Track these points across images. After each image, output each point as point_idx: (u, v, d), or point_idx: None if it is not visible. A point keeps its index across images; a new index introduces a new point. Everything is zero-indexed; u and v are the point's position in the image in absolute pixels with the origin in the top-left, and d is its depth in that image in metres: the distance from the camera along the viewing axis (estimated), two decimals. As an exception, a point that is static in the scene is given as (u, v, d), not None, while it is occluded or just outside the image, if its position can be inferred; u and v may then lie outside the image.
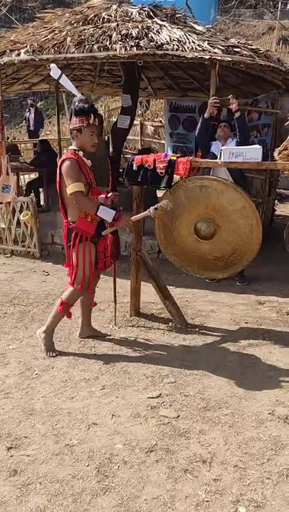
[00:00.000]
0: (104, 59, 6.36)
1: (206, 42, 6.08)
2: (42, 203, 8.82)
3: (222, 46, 6.01)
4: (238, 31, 21.86)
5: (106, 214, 3.84)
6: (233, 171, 5.53)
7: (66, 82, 4.18)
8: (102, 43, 6.16)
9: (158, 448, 2.91)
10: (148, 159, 4.40)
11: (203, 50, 5.88)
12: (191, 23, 7.02)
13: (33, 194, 7.73)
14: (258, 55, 6.23)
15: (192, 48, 5.92)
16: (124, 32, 6.21)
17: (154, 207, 3.99)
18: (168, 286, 4.85)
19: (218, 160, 4.36)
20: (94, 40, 6.21)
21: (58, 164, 3.91)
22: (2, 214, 7.29)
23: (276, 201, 9.12)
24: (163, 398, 3.43)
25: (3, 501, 2.52)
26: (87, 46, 6.17)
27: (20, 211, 7.05)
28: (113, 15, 6.77)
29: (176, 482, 2.65)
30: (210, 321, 4.82)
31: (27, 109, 16.49)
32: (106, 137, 10.67)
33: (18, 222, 7.10)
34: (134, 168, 4.44)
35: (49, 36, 6.56)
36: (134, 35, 6.15)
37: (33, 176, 10.43)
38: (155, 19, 6.67)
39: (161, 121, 12.82)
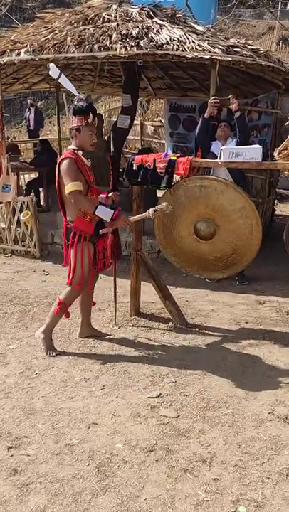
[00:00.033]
0: (105, 59, 6.37)
1: (206, 42, 6.08)
2: (42, 202, 8.82)
3: (222, 46, 6.02)
4: (238, 31, 21.85)
5: (104, 213, 3.84)
6: (233, 170, 5.53)
7: (65, 82, 4.18)
8: (102, 42, 6.16)
9: (158, 448, 2.91)
10: (148, 159, 4.40)
11: (203, 50, 5.89)
12: (191, 23, 7.03)
13: (33, 194, 7.72)
14: (258, 55, 6.23)
15: (192, 48, 5.93)
16: (124, 32, 6.22)
17: (153, 208, 3.99)
18: (168, 286, 4.85)
19: (218, 160, 4.36)
20: (94, 40, 6.22)
21: (57, 164, 3.92)
22: (2, 214, 7.29)
23: (276, 201, 9.12)
24: (163, 398, 3.43)
25: (4, 501, 2.53)
26: (87, 46, 6.17)
27: (21, 211, 7.05)
28: (113, 15, 6.77)
29: (176, 482, 2.65)
30: (210, 321, 4.82)
31: (27, 109, 16.49)
32: (106, 137, 10.68)
33: (18, 222, 7.10)
34: (134, 167, 4.44)
35: (49, 36, 6.56)
36: (134, 35, 6.16)
37: (33, 175, 10.43)
38: (155, 19, 6.67)
39: (161, 121, 12.82)
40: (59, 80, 4.16)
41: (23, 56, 6.51)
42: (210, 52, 5.87)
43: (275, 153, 5.04)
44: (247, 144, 5.53)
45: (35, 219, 7.00)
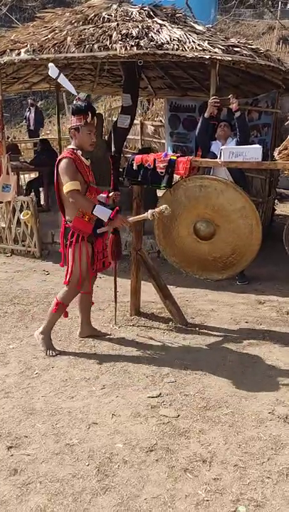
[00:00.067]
0: (105, 58, 6.37)
1: (206, 41, 6.08)
2: (42, 202, 8.82)
3: (222, 46, 6.02)
4: (238, 31, 21.85)
5: (102, 213, 3.83)
6: (233, 170, 5.53)
7: (64, 82, 4.18)
8: (102, 42, 6.16)
9: (158, 447, 2.92)
10: (148, 159, 4.40)
11: (204, 50, 5.89)
12: (191, 23, 7.03)
13: (33, 193, 7.72)
14: (258, 55, 6.23)
15: (192, 48, 5.93)
16: (124, 32, 6.22)
17: (152, 210, 3.99)
18: (168, 286, 4.85)
19: (218, 159, 4.35)
20: (94, 40, 6.22)
21: (56, 163, 3.92)
22: (2, 213, 7.29)
23: (276, 201, 9.11)
24: (163, 398, 3.43)
25: (4, 500, 2.53)
26: (87, 46, 6.17)
27: (21, 210, 7.05)
28: (113, 14, 6.77)
29: (176, 481, 2.65)
30: (210, 321, 4.82)
31: (27, 109, 16.50)
32: (106, 136, 10.68)
33: (19, 222, 7.10)
34: (135, 167, 4.44)
35: (49, 36, 6.56)
36: (134, 34, 6.16)
37: (33, 175, 10.44)
38: (155, 19, 6.67)
39: (161, 121, 12.82)
40: (58, 80, 4.15)
41: (23, 56, 6.51)
42: (210, 52, 5.87)
43: (275, 153, 5.03)
44: (247, 143, 5.53)
45: (36, 219, 7.00)
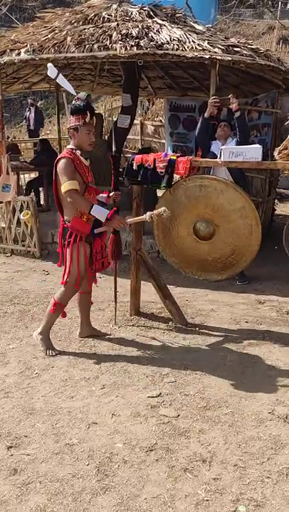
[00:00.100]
0: (105, 58, 6.37)
1: (206, 41, 6.08)
2: (42, 202, 8.82)
3: (222, 46, 6.02)
4: (238, 31, 21.86)
5: (99, 213, 3.82)
6: (233, 170, 5.53)
7: (63, 82, 4.18)
8: (102, 42, 6.16)
9: (158, 447, 2.92)
10: (148, 159, 4.40)
11: (203, 50, 5.89)
12: (191, 23, 7.03)
13: (33, 193, 7.72)
14: (258, 55, 6.23)
15: (192, 48, 5.93)
16: (124, 31, 6.22)
17: (150, 212, 3.98)
18: (168, 286, 4.85)
19: (218, 159, 4.36)
20: (94, 40, 6.22)
21: (54, 163, 3.91)
22: (2, 213, 7.29)
23: (276, 201, 9.11)
24: (163, 397, 3.43)
25: (4, 500, 2.53)
26: (87, 46, 6.17)
27: (21, 210, 7.05)
28: (113, 14, 6.78)
29: (176, 481, 2.65)
30: (210, 321, 4.82)
31: (27, 109, 16.50)
32: (106, 136, 10.68)
33: (18, 222, 7.10)
34: (134, 167, 4.44)
35: (49, 36, 6.56)
36: (134, 34, 6.16)
37: (33, 175, 10.44)
38: (155, 19, 6.67)
39: (161, 121, 12.82)
40: (57, 80, 4.16)
41: (23, 56, 6.51)
42: (210, 51, 5.87)
43: (275, 153, 5.03)
44: (247, 143, 5.53)
45: (35, 218, 7.00)
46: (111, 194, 4.19)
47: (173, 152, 8.39)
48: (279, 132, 7.83)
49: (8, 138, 12.33)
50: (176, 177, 4.40)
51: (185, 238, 4.54)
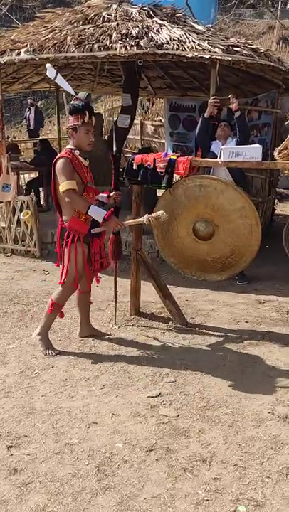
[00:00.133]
0: (105, 58, 6.37)
1: (206, 41, 6.08)
2: (42, 202, 8.83)
3: (222, 46, 6.02)
4: (238, 31, 21.84)
5: (96, 214, 3.81)
6: (233, 170, 5.53)
7: (62, 82, 4.18)
8: (102, 42, 6.16)
9: (158, 447, 2.92)
10: (148, 158, 4.40)
11: (203, 50, 5.89)
12: (191, 23, 7.03)
13: (33, 193, 7.72)
14: (258, 55, 6.24)
15: (192, 48, 5.93)
16: (124, 31, 6.22)
17: (148, 215, 3.98)
18: (168, 286, 4.85)
19: (218, 159, 4.36)
20: (94, 40, 6.22)
21: (53, 163, 3.91)
22: (2, 213, 7.29)
23: (276, 200, 9.11)
24: (163, 397, 3.43)
25: (3, 500, 2.53)
26: (87, 45, 6.17)
27: (21, 210, 7.05)
28: (113, 14, 6.78)
29: (176, 481, 2.65)
30: (210, 321, 4.82)
31: (27, 109, 16.50)
32: (106, 136, 10.68)
33: (18, 222, 7.10)
34: (134, 167, 4.44)
35: (49, 35, 6.56)
36: (134, 34, 6.16)
37: (33, 175, 10.44)
38: (155, 18, 6.68)
39: (161, 121, 12.82)
40: (56, 81, 4.16)
41: (23, 56, 6.51)
42: (210, 51, 5.87)
43: (275, 153, 5.03)
44: (247, 143, 5.53)
45: (35, 218, 7.00)
46: (111, 194, 4.18)
47: (173, 152, 8.40)
48: (279, 132, 7.83)
49: (8, 138, 12.33)
50: (176, 177, 4.40)
51: (185, 238, 4.53)
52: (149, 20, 6.59)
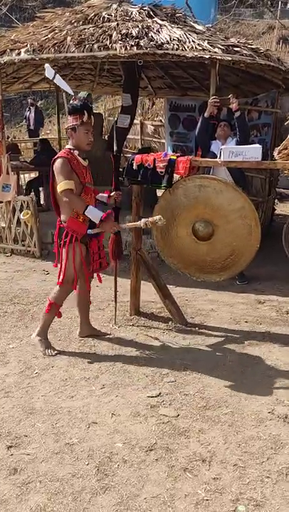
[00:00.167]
0: (105, 58, 6.37)
1: (206, 41, 6.08)
2: (42, 202, 8.83)
3: (222, 45, 6.02)
4: (238, 30, 21.83)
5: (93, 214, 3.81)
6: (232, 170, 5.53)
7: (60, 82, 4.19)
8: (102, 42, 6.16)
9: (158, 447, 2.92)
10: (148, 158, 4.40)
11: (203, 50, 5.89)
12: (191, 23, 7.03)
13: (33, 193, 7.73)
14: (258, 55, 6.24)
15: (192, 48, 5.93)
16: (124, 31, 6.22)
17: (145, 219, 3.99)
18: (168, 286, 4.85)
19: (218, 159, 4.36)
20: (94, 40, 6.22)
21: (51, 163, 3.91)
22: (2, 213, 7.29)
23: (276, 200, 9.11)
24: (163, 397, 3.43)
25: (4, 500, 2.53)
26: (87, 45, 6.17)
27: (21, 210, 7.05)
28: (113, 14, 6.78)
29: (176, 481, 2.65)
30: (210, 320, 4.82)
31: (27, 108, 16.48)
32: (106, 136, 10.68)
33: (18, 222, 7.10)
34: (134, 167, 4.44)
35: (49, 35, 6.56)
36: (134, 34, 6.16)
37: (33, 175, 10.44)
38: (155, 18, 6.68)
39: (161, 121, 12.82)
40: (54, 81, 4.16)
41: (23, 56, 6.51)
42: (210, 51, 5.87)
43: (275, 153, 5.04)
44: (247, 143, 5.53)
45: (35, 218, 7.00)
46: (112, 194, 4.18)
47: (173, 152, 8.42)
48: (279, 132, 7.83)
49: (8, 138, 12.33)
50: (176, 177, 4.40)
51: (184, 239, 4.53)
52: (149, 20, 6.59)
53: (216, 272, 4.55)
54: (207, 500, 2.52)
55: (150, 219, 3.97)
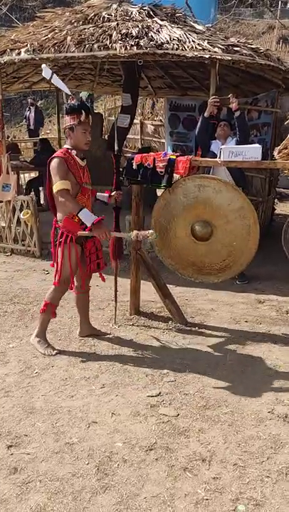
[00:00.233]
0: (105, 58, 6.37)
1: (206, 41, 6.08)
2: (42, 201, 8.83)
3: (222, 45, 6.02)
4: (238, 30, 21.85)
5: (86, 217, 3.76)
6: (232, 170, 5.53)
7: (57, 82, 4.19)
8: (102, 42, 6.16)
9: (158, 446, 2.92)
10: (148, 158, 4.40)
11: (203, 49, 5.89)
12: (191, 22, 7.03)
13: (33, 193, 7.73)
14: (257, 54, 6.23)
15: (192, 47, 5.93)
16: (124, 31, 6.22)
17: (137, 232, 3.99)
18: (168, 285, 4.85)
19: (217, 159, 4.36)
20: (94, 40, 6.22)
21: (47, 163, 3.90)
22: (2, 213, 7.29)
23: (276, 200, 9.11)
24: (163, 397, 3.43)
25: (4, 499, 2.53)
26: (87, 45, 6.18)
27: (21, 210, 7.05)
28: (113, 14, 6.78)
29: (176, 480, 2.66)
30: (210, 320, 4.83)
31: (27, 108, 16.49)
32: (106, 136, 10.69)
33: (18, 221, 7.10)
34: (134, 167, 4.43)
35: (49, 35, 6.56)
36: (134, 34, 6.16)
37: (33, 174, 10.45)
38: (155, 18, 6.67)
39: (161, 120, 12.82)
40: (52, 81, 4.16)
41: (24, 55, 6.51)
42: (210, 51, 5.87)
43: (275, 152, 5.05)
44: (247, 143, 5.53)
45: (35, 218, 7.00)
46: (113, 193, 4.18)
47: (173, 151, 8.41)
48: (279, 132, 7.83)
49: (8, 137, 12.33)
50: (176, 176, 4.40)
51: (182, 239, 4.50)
52: (149, 20, 6.59)
53: (214, 273, 4.54)
54: (207, 499, 2.52)
55: (142, 232, 3.97)
